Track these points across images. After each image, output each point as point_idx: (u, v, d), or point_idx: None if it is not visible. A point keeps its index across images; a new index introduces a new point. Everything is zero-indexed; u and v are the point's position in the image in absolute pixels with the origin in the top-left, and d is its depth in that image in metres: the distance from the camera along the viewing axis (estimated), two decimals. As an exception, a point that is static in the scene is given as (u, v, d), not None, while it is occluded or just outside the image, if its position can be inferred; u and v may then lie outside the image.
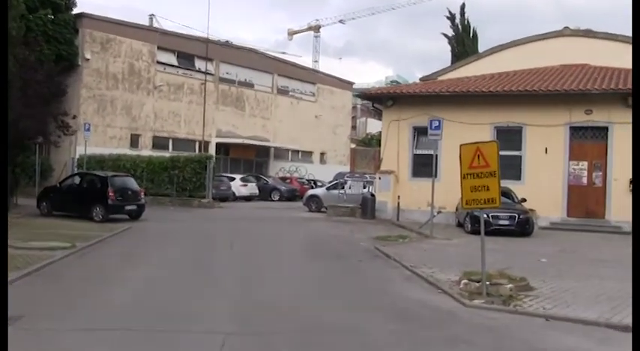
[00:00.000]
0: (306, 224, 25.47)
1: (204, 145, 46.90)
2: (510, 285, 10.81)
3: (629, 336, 8.06)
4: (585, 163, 25.38)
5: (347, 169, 53.22)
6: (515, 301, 10.45)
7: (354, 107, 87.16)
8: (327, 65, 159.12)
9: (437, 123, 21.36)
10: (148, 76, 43.60)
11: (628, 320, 9.49)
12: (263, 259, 15.73)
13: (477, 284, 10.85)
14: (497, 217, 21.21)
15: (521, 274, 13.29)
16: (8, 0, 18.51)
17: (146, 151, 40.83)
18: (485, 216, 20.02)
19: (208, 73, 47.39)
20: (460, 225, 23.42)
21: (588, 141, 25.46)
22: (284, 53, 69.91)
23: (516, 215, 21.80)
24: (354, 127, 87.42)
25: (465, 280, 11.15)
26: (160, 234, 20.75)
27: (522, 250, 18.00)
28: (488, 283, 10.82)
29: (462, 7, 49.09)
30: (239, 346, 7.89)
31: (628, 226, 23.75)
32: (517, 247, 18.67)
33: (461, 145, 11.31)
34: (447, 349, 8.13)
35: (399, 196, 26.72)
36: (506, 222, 21.62)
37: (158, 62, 44.34)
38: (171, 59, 45.59)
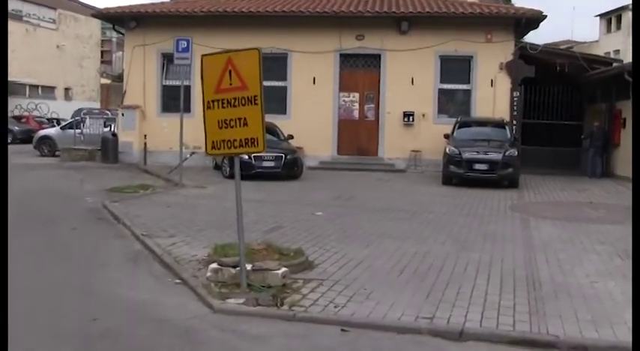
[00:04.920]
0: (28, 173, 19.98)
1: None
2: (283, 269, 7.12)
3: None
4: (357, 95, 22.66)
5: (98, 106, 47.30)
6: (291, 296, 6.80)
7: (110, 40, 79.29)
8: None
9: (185, 44, 17.03)
10: None
11: (458, 319, 6.27)
12: None
13: (233, 271, 7.03)
14: (260, 159, 17.65)
15: (295, 237, 9.98)
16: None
17: None
18: (246, 157, 16.79)
19: None
20: (218, 167, 19.60)
21: (360, 70, 22.71)
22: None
23: (283, 155, 18.44)
24: (109, 62, 79.65)
25: (215, 265, 7.25)
26: None
27: (291, 200, 14.62)
28: (250, 267, 7.04)
29: None
30: None
31: (401, 164, 21.72)
32: (286, 195, 15.28)
33: (203, 56, 7.25)
34: None
35: (145, 136, 22.19)
36: (272, 164, 18.19)
37: None
38: None
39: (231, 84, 6.93)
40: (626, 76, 19.67)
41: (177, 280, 7.55)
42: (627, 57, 44.27)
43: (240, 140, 6.91)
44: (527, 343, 5.83)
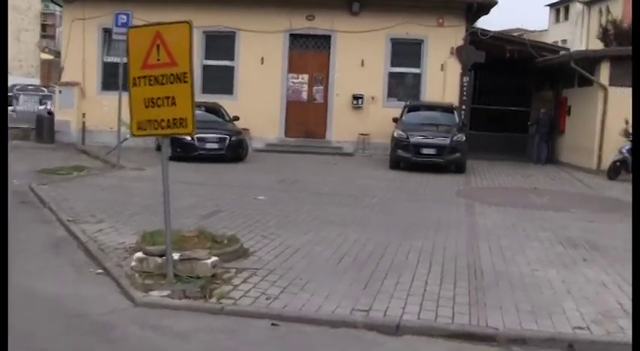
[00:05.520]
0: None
1: None
2: (213, 259, 6.70)
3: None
4: (306, 76, 22.19)
5: (37, 82, 45.68)
6: (220, 287, 6.40)
7: (53, 14, 76.75)
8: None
9: (124, 18, 16.25)
10: None
11: (396, 311, 5.98)
12: None
13: (160, 260, 6.59)
14: (203, 140, 17.12)
15: (233, 222, 9.59)
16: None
17: None
18: (188, 138, 16.20)
19: None
20: (160, 148, 18.91)
21: (309, 51, 22.25)
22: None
23: (227, 137, 17.92)
24: (52, 37, 77.12)
25: (140, 254, 6.79)
26: None
27: (234, 183, 14.15)
28: (177, 256, 6.61)
29: None
30: None
31: (349, 147, 21.42)
32: (228, 178, 14.80)
33: (130, 28, 6.74)
34: None
35: (84, 114, 21.37)
36: (215, 145, 17.66)
37: None
38: None
39: (159, 60, 6.43)
40: (572, 65, 19.76)
41: (100, 270, 7.07)
42: (574, 46, 44.92)
43: (168, 120, 6.44)
44: (466, 337, 5.57)
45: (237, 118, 19.57)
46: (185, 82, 6.38)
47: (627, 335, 5.58)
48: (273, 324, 5.72)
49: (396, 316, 5.88)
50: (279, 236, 8.89)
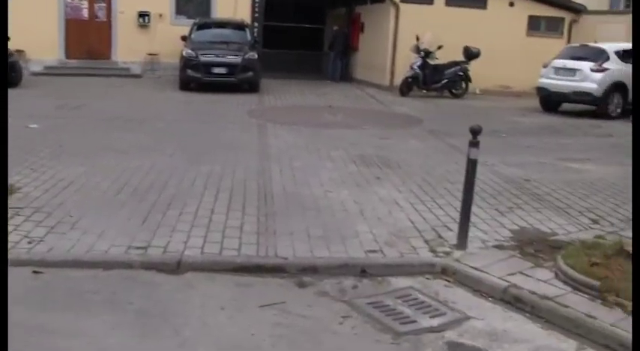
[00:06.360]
0: None
1: None
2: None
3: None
4: (88, -7, 20.36)
5: None
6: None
7: None
8: None
9: None
10: None
11: (177, 246, 5.45)
12: None
13: None
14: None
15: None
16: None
17: None
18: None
19: None
20: None
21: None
22: None
23: (-5, 60, 15.97)
24: None
25: None
26: None
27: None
28: None
29: None
30: None
31: (137, 68, 20.16)
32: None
33: None
34: None
35: None
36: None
37: None
38: None
39: None
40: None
41: None
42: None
43: None
44: (253, 269, 5.17)
45: (7, 39, 17.48)
46: None
47: (420, 255, 5.52)
48: (35, 272, 4.96)
49: (177, 251, 5.34)
50: (51, 168, 7.95)
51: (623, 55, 15.62)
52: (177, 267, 5.15)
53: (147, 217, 6.17)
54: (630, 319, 4.33)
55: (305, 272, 5.17)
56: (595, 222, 6.71)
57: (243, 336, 4.13)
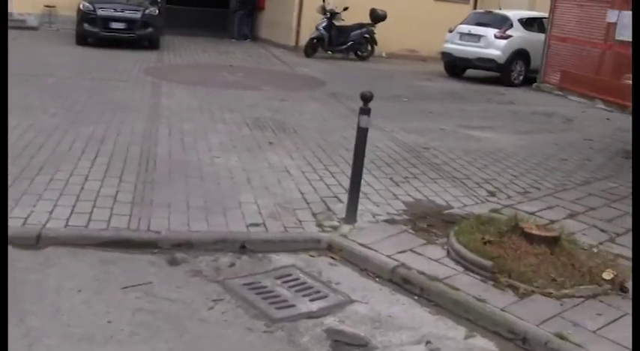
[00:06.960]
0: None
1: None
2: None
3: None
4: None
5: None
6: None
7: None
8: None
9: None
10: None
11: (40, 218, 4.94)
12: None
13: None
14: None
15: None
16: None
17: None
18: None
19: None
20: None
21: None
22: None
23: None
24: None
25: None
26: None
27: None
28: None
29: None
30: None
31: (34, 20, 18.91)
32: None
33: None
34: None
35: None
36: None
37: None
38: None
39: None
40: None
41: None
42: None
43: None
44: (122, 244, 4.71)
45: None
46: None
47: (305, 230, 5.19)
48: None
49: (39, 223, 4.82)
50: None
51: (526, 22, 15.75)
52: (36, 241, 4.64)
53: (12, 184, 5.57)
54: (522, 302, 4.19)
55: (179, 248, 4.75)
56: (492, 194, 6.57)
57: (98, 324, 3.69)
